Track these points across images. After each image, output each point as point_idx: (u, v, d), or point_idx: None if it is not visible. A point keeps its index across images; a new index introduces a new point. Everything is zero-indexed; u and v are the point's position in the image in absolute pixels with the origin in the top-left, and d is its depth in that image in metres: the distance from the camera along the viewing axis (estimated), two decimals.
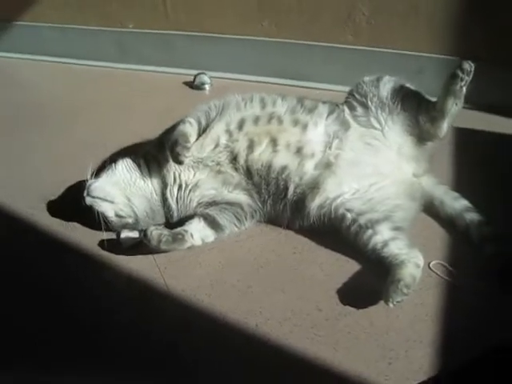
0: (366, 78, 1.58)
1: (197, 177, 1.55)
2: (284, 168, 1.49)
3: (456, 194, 1.52)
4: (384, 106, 1.53)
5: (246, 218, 1.54)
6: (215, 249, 1.50)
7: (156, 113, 2.26)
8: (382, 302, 1.26)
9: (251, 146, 1.51)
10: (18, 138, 2.18)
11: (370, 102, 1.54)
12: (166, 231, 1.44)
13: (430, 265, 1.36)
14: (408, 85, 1.56)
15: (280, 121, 1.53)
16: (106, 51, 2.75)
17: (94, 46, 2.77)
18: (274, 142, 1.51)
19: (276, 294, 1.34)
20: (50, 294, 1.41)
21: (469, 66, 1.41)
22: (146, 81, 2.61)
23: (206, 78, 2.46)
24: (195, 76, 2.47)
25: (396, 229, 1.39)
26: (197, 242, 1.47)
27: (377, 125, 1.54)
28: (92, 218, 1.50)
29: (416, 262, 1.29)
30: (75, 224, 1.62)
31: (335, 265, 1.41)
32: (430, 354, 1.15)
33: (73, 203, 1.61)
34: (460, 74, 1.41)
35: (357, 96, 1.57)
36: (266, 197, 1.53)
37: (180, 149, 1.46)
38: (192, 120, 1.56)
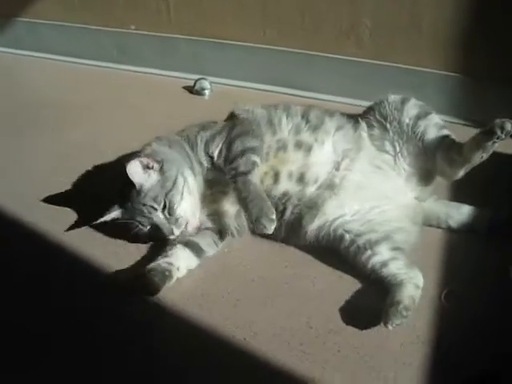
0: (391, 97, 1.49)
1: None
2: (284, 194, 1.46)
3: (457, 203, 1.52)
4: (402, 133, 1.46)
5: (220, 241, 1.50)
6: (207, 259, 1.48)
7: (154, 116, 2.24)
8: (373, 321, 1.24)
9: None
10: (13, 137, 2.14)
11: (388, 125, 1.47)
12: (157, 277, 1.34)
13: None
14: (433, 114, 1.47)
15: (285, 148, 1.47)
16: (107, 51, 2.72)
17: (94, 46, 2.74)
18: (276, 176, 1.46)
19: (266, 308, 1.32)
20: (42, 295, 1.41)
21: (510, 126, 1.30)
22: (146, 83, 2.58)
23: (206, 84, 2.44)
24: (195, 81, 2.45)
25: (395, 249, 1.36)
26: (182, 273, 1.41)
27: (391, 150, 1.49)
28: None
29: (416, 282, 1.28)
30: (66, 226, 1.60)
31: (328, 280, 1.39)
32: (418, 377, 1.14)
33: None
34: (498, 133, 1.31)
35: (377, 115, 1.49)
36: None
37: (266, 221, 1.35)
38: (259, 160, 1.44)
